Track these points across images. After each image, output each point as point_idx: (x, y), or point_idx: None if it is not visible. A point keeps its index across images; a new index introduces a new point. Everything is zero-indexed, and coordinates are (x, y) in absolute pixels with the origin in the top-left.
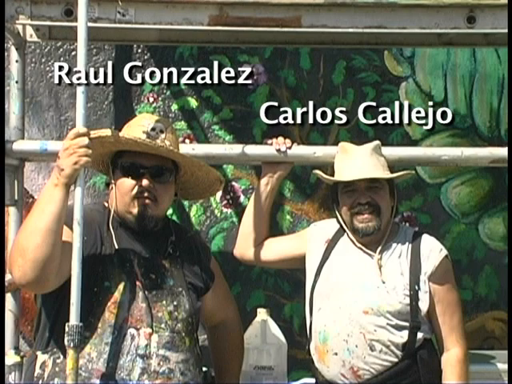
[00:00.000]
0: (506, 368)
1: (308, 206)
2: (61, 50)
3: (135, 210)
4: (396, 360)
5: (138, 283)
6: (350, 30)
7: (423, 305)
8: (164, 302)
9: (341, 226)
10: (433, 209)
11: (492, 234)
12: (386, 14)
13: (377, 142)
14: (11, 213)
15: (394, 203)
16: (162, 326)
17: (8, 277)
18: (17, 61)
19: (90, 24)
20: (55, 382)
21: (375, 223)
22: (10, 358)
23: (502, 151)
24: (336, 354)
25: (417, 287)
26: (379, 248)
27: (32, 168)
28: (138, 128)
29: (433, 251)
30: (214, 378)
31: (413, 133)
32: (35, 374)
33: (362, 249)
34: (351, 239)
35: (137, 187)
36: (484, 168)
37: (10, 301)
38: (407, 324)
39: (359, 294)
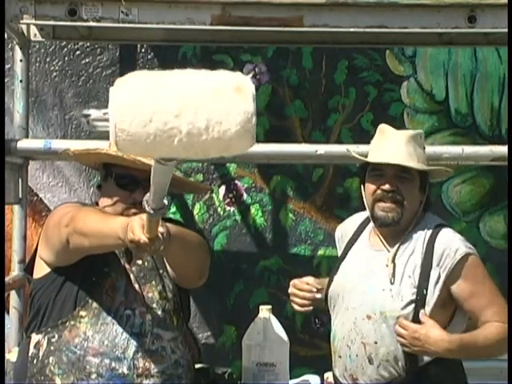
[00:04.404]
0: (505, 366)
1: (310, 205)
2: (65, 49)
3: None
4: (396, 375)
5: (128, 267)
6: (352, 30)
7: (428, 309)
8: (153, 283)
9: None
10: (434, 207)
11: (493, 232)
12: (387, 14)
13: (419, 131)
14: (15, 211)
15: (424, 199)
16: (154, 305)
17: (9, 276)
18: (21, 60)
19: (94, 24)
20: (50, 360)
21: (395, 214)
22: (15, 354)
23: (503, 149)
24: (340, 357)
25: (424, 291)
26: (396, 246)
27: (37, 166)
28: None
29: (446, 252)
30: (216, 374)
31: None
32: (29, 354)
33: (380, 241)
34: (371, 231)
35: (130, 199)
36: (485, 166)
37: (14, 298)
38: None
39: (365, 296)
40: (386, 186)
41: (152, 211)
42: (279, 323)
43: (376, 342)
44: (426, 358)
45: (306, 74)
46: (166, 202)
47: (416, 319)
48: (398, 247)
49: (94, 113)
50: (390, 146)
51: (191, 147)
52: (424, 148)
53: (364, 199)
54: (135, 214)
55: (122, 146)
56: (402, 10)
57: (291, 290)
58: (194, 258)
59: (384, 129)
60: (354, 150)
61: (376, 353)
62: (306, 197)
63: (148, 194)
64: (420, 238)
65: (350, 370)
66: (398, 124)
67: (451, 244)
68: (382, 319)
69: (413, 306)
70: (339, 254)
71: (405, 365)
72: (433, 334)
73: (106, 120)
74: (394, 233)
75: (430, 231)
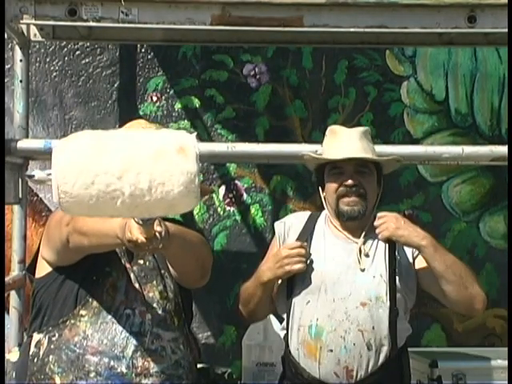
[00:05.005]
0: (506, 365)
1: (310, 205)
2: (65, 49)
3: None
4: (387, 358)
5: (129, 267)
6: (352, 30)
7: (411, 293)
8: (154, 283)
9: (323, 213)
10: (434, 207)
11: (493, 232)
12: (387, 14)
13: (367, 128)
14: (15, 211)
15: (380, 192)
16: (154, 305)
17: (9, 276)
18: (21, 60)
19: (94, 24)
20: (50, 358)
21: (360, 207)
22: (15, 354)
23: (503, 149)
24: (331, 350)
25: (404, 274)
26: (362, 234)
27: (36, 166)
28: None
29: None
30: (216, 374)
31: (414, 131)
32: (30, 353)
33: (345, 235)
34: (334, 226)
35: None
36: (485, 166)
37: (14, 298)
38: (394, 314)
39: (354, 285)
40: (349, 182)
41: (141, 221)
42: (279, 323)
43: (374, 328)
44: (401, 341)
45: (306, 73)
46: None
47: (398, 301)
48: (367, 237)
49: (37, 173)
50: (345, 143)
51: (135, 208)
52: (373, 143)
53: (323, 200)
54: None
55: (66, 207)
56: (402, 10)
57: (286, 252)
58: (195, 257)
59: (335, 129)
60: (308, 149)
61: (374, 338)
62: (305, 197)
63: None
64: None
65: (344, 362)
66: (398, 124)
67: None
68: (379, 304)
69: (402, 288)
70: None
71: (391, 347)
72: (412, 224)
73: (50, 181)
74: (359, 225)
75: None
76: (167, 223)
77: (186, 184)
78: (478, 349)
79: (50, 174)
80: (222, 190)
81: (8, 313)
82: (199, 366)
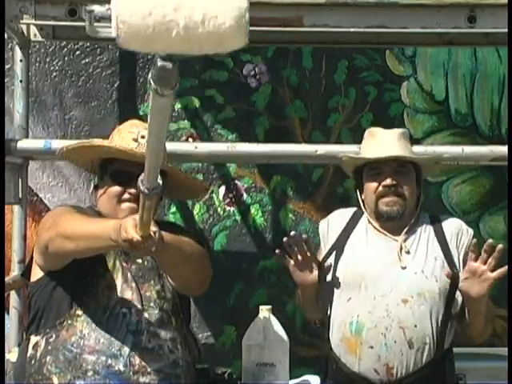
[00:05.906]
0: (506, 365)
1: (310, 205)
2: (65, 49)
3: (121, 215)
4: (430, 358)
5: (126, 266)
6: (352, 30)
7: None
8: (152, 282)
9: (361, 213)
10: (434, 207)
11: (493, 232)
12: (387, 14)
13: (405, 129)
14: (15, 211)
15: (420, 193)
16: (151, 304)
17: (9, 276)
18: (21, 60)
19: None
20: (47, 359)
21: (399, 207)
22: (15, 355)
23: (503, 149)
24: (372, 347)
25: (455, 270)
26: (403, 232)
27: (37, 166)
28: (128, 135)
29: (460, 232)
30: (216, 374)
31: (414, 131)
32: (28, 355)
33: (385, 234)
34: (374, 226)
35: (125, 194)
36: (485, 166)
37: (14, 298)
38: (442, 313)
39: (395, 282)
40: (388, 181)
41: (147, 191)
42: (279, 323)
43: (416, 326)
44: (447, 343)
45: (306, 73)
46: (160, 181)
47: (452, 297)
48: (408, 235)
49: (97, 8)
50: (385, 143)
51: (188, 41)
52: (411, 144)
53: (361, 203)
54: (129, 200)
55: (123, 38)
56: (402, 10)
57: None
58: (192, 267)
59: (373, 131)
60: (346, 150)
61: (417, 336)
62: (305, 197)
63: (143, 174)
64: (426, 227)
65: (385, 358)
66: (398, 124)
67: (460, 224)
68: (421, 301)
69: (448, 284)
70: (327, 246)
71: (436, 347)
72: None
73: (108, 18)
74: (399, 225)
75: (430, 221)
76: (164, 232)
77: (236, 19)
78: (478, 349)
79: (109, 9)
80: (222, 189)
81: (8, 313)
82: (199, 366)
